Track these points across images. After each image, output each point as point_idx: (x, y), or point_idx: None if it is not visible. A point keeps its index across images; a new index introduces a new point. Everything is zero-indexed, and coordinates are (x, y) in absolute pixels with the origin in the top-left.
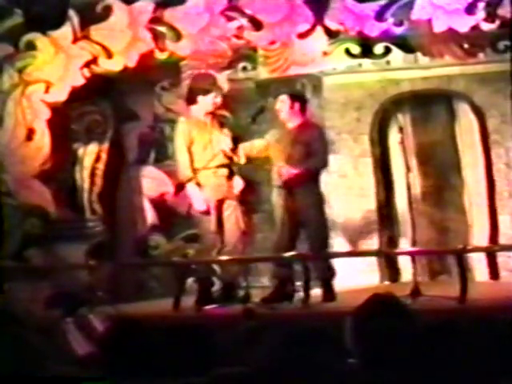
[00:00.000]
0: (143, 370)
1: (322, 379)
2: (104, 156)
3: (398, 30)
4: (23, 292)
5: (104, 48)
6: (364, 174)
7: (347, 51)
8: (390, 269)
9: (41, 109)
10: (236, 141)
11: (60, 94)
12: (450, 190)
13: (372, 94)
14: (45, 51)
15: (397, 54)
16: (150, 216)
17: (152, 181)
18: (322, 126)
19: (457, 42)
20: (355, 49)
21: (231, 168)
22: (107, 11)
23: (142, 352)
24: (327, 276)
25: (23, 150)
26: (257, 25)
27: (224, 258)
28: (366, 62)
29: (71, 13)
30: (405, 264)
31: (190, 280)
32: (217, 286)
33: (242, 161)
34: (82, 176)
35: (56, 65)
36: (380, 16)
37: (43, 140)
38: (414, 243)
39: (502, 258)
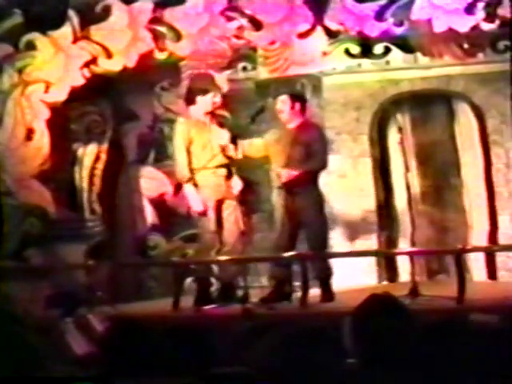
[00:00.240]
0: (142, 370)
1: (320, 379)
2: (103, 156)
3: (398, 30)
4: (23, 292)
5: (104, 48)
6: (363, 174)
7: (347, 51)
8: (389, 269)
9: (40, 109)
10: (235, 140)
11: (59, 94)
12: (449, 190)
13: (371, 94)
14: (44, 51)
15: (396, 54)
16: (149, 216)
17: (151, 181)
18: (322, 127)
19: (456, 42)
20: (355, 49)
21: (230, 168)
22: (107, 11)
23: (141, 352)
24: (325, 276)
25: (23, 149)
26: (256, 25)
27: (223, 258)
28: (366, 62)
29: (71, 13)
30: (403, 264)
31: (188, 280)
32: (215, 285)
33: (240, 156)
34: (82, 176)
35: (56, 65)
36: (380, 16)
37: (43, 140)
38: (413, 243)
39: (501, 257)
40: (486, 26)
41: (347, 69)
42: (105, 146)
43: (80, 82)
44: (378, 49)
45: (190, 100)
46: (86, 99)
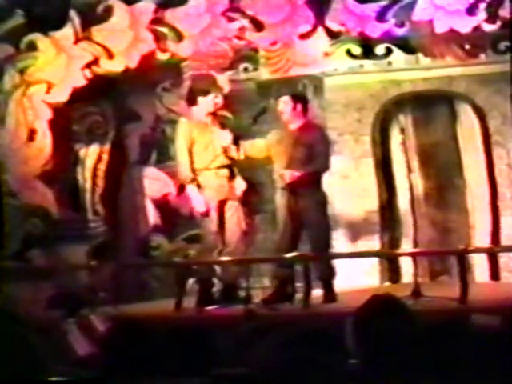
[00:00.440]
0: (144, 371)
1: (322, 380)
2: (105, 157)
3: (400, 31)
4: (25, 292)
5: (105, 49)
6: (365, 175)
7: (348, 52)
8: (391, 270)
9: (42, 109)
10: (237, 141)
11: (61, 95)
12: (451, 191)
13: (373, 95)
14: (46, 52)
15: (398, 55)
16: (152, 217)
17: (154, 181)
18: (324, 127)
19: (458, 42)
20: (356, 50)
21: (232, 169)
22: (108, 12)
23: (143, 353)
24: (328, 276)
25: (25, 150)
26: (258, 25)
27: (225, 258)
28: (368, 63)
29: (72, 13)
30: (406, 265)
31: (191, 281)
32: (218, 286)
33: (242, 156)
34: (84, 177)
35: (57, 65)
36: (381, 17)
37: (45, 141)
38: (415, 244)
39: (503, 258)
40: (488, 27)
41: (349, 69)
42: (107, 147)
43: (82, 82)
44: (380, 50)
45: (191, 101)
46: (88, 100)
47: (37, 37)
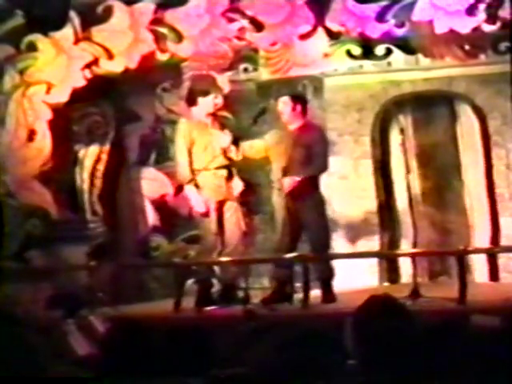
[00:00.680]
0: (144, 371)
1: (321, 380)
2: (105, 157)
3: (399, 32)
4: (24, 293)
5: (105, 49)
6: (365, 176)
7: (348, 52)
8: (390, 270)
9: (42, 110)
10: (237, 142)
11: (61, 95)
12: (450, 192)
13: (373, 96)
14: (46, 52)
15: (398, 56)
16: (151, 217)
17: (153, 182)
18: (323, 128)
19: (458, 43)
20: (356, 50)
21: (231, 169)
22: (108, 12)
23: (142, 353)
24: (327, 277)
25: (24, 150)
26: (258, 26)
27: (224, 259)
28: (367, 64)
29: (72, 14)
30: (405, 265)
31: (190, 281)
32: (217, 287)
33: (240, 157)
34: (83, 177)
35: (57, 66)
36: (381, 17)
37: (44, 141)
38: (414, 244)
39: (502, 259)
40: (487, 28)
41: (349, 70)
42: (106, 147)
43: (81, 83)
44: (380, 50)
45: (191, 101)
46: (88, 100)
47: (37, 37)
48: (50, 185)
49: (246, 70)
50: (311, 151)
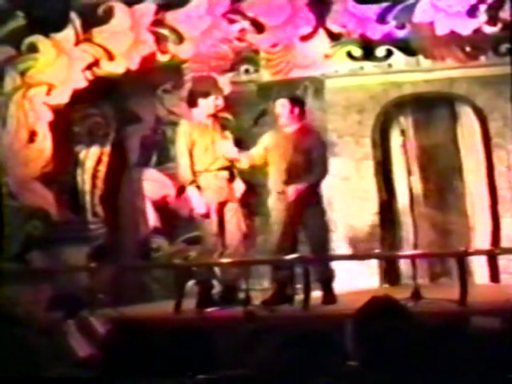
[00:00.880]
0: (144, 373)
1: (322, 381)
2: (106, 158)
3: (400, 33)
4: (25, 294)
5: (106, 50)
6: (366, 177)
7: (349, 54)
8: (391, 272)
9: (43, 111)
10: (238, 143)
11: (62, 97)
12: (451, 193)
13: (374, 97)
14: (47, 54)
15: (399, 57)
16: (152, 218)
17: (154, 183)
18: (321, 131)
19: (459, 44)
20: (357, 51)
21: (232, 170)
22: (109, 13)
23: (143, 354)
24: (327, 278)
25: (25, 152)
26: (259, 27)
27: (225, 260)
28: (368, 65)
29: (73, 15)
30: (405, 267)
31: (190, 282)
32: (217, 288)
33: (246, 166)
34: (84, 178)
35: (58, 67)
36: (382, 19)
37: (45, 142)
38: (415, 246)
39: (503, 260)
40: (488, 29)
41: (349, 71)
42: (107, 149)
43: (82, 84)
44: (380, 51)
45: (192, 102)
46: (89, 102)
47: (37, 38)
48: (51, 186)
49: (246, 71)
50: (311, 156)
